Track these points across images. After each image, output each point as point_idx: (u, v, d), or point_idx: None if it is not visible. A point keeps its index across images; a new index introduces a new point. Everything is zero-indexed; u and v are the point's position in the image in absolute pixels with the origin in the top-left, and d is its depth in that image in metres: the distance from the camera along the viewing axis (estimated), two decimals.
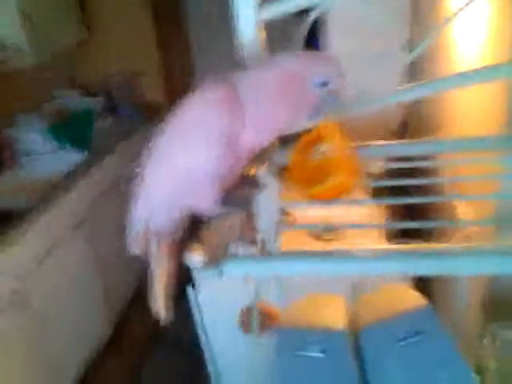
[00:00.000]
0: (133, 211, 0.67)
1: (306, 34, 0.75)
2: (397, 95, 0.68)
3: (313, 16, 0.73)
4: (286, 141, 0.71)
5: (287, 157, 0.67)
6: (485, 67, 0.60)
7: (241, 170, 0.64)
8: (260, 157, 0.67)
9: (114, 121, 2.84)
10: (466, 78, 0.61)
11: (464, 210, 0.86)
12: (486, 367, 0.76)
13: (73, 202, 2.27)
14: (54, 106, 2.76)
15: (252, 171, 0.67)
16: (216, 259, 0.48)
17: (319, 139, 0.65)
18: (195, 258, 0.50)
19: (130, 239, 0.67)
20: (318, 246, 1.43)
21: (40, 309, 2.00)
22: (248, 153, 0.62)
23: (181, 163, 0.60)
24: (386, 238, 1.45)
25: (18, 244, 1.90)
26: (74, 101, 2.81)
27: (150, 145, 0.63)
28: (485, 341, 0.77)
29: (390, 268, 0.42)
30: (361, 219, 1.34)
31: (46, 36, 2.47)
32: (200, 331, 1.67)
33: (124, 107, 2.86)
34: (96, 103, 2.81)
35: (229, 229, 0.57)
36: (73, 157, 2.45)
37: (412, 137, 2.08)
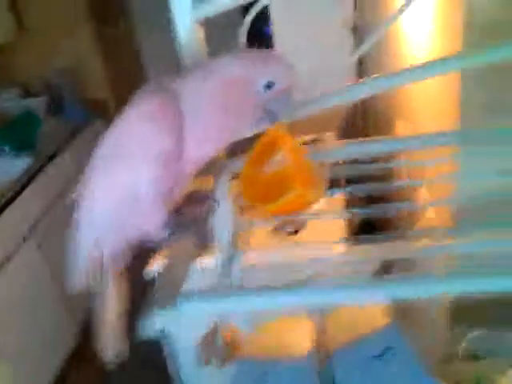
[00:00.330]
0: (77, 236, 0.61)
1: (257, 22, 0.70)
2: (347, 92, 0.65)
3: (255, 11, 0.68)
4: (237, 150, 0.66)
5: (240, 168, 0.62)
6: (434, 61, 0.57)
7: (187, 186, 0.59)
8: (209, 170, 0.63)
9: (59, 121, 2.71)
10: (416, 72, 0.59)
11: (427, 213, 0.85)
12: (459, 371, 0.76)
13: (23, 209, 2.16)
14: None
15: (205, 187, 0.62)
16: (171, 297, 0.43)
17: (272, 148, 0.60)
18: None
19: (74, 272, 0.61)
20: (278, 240, 1.42)
21: None
22: (193, 167, 0.57)
23: (120, 180, 0.55)
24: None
25: None
26: (15, 102, 2.67)
27: (90, 160, 0.58)
28: (455, 343, 0.77)
29: (360, 297, 0.40)
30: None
31: None
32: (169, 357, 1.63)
33: (69, 106, 2.73)
34: (38, 104, 2.67)
35: (182, 254, 0.52)
36: (19, 162, 2.33)
37: (364, 132, 2.08)
